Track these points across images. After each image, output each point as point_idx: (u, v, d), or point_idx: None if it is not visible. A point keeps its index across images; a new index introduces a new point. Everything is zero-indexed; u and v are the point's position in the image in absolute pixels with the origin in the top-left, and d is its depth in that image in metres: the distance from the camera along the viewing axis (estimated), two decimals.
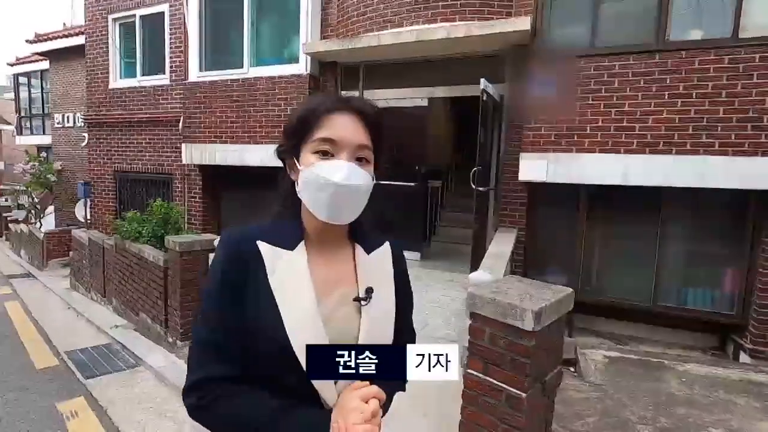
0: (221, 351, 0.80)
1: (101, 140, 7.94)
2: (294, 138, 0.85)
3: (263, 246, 0.83)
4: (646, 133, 3.96)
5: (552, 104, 4.22)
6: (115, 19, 7.52)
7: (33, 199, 14.34)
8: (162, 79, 6.98)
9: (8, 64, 15.88)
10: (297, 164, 0.84)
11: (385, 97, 5.47)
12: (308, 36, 5.47)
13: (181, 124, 6.50)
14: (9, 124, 20.68)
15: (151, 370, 3.81)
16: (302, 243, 0.85)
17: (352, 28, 5.29)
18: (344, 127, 0.82)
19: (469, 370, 2.00)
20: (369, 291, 0.86)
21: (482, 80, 4.18)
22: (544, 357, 1.90)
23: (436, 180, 6.52)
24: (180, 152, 6.59)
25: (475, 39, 4.41)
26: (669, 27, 3.84)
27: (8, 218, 16.00)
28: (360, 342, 0.83)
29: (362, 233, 0.93)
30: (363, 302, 0.85)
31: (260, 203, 6.45)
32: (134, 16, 7.22)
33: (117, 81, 7.62)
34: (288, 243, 0.85)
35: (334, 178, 0.78)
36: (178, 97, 6.69)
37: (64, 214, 12.75)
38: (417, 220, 5.66)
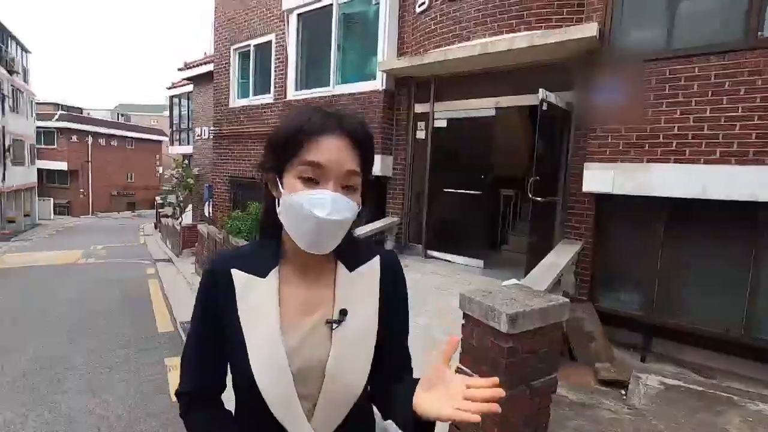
0: (199, 368, 0.85)
1: (221, 150, 9.49)
2: (278, 156, 0.79)
3: (236, 273, 0.83)
4: (731, 141, 3.55)
5: (620, 112, 4.01)
6: (235, 49, 8.98)
7: (178, 198, 17.45)
8: (267, 98, 8.14)
9: (166, 88, 19.58)
10: (279, 185, 0.79)
11: (454, 107, 5.68)
12: (384, 55, 5.95)
13: None
14: (165, 136, 25.37)
15: None
16: (275, 270, 0.83)
17: (423, 44, 5.61)
18: (333, 151, 0.75)
19: (459, 365, 2.19)
20: (343, 313, 0.81)
21: (540, 90, 4.15)
22: (529, 360, 2.00)
23: (510, 189, 6.45)
24: None
25: (537, 48, 4.39)
26: (761, 23, 3.40)
27: (161, 213, 19.72)
28: (327, 369, 0.79)
29: (347, 249, 0.85)
30: (334, 326, 0.80)
31: None
32: (249, 45, 8.54)
33: (235, 101, 9.07)
34: (261, 270, 0.83)
35: (317, 213, 0.73)
36: (277, 113, 7.73)
37: (198, 212, 15.30)
38: (482, 228, 5.72)
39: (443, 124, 5.82)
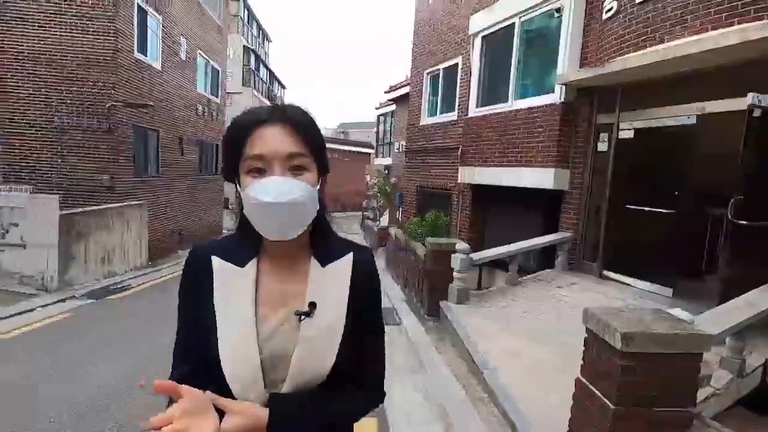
0: (184, 352, 0.89)
1: (411, 163, 10.75)
2: (229, 160, 0.83)
3: (216, 261, 0.86)
4: None
5: None
6: (428, 73, 10.07)
7: (377, 204, 20.19)
8: (452, 116, 8.88)
9: (375, 108, 22.88)
10: (238, 185, 0.84)
11: (643, 117, 5.17)
12: (564, 67, 5.85)
13: (459, 151, 8.12)
14: (372, 148, 29.44)
15: (404, 329, 5.39)
16: (254, 261, 0.86)
17: (608, 52, 5.31)
18: (271, 139, 0.79)
19: (579, 376, 2.29)
20: (312, 306, 0.84)
21: (750, 94, 3.51)
22: (650, 384, 1.98)
23: (718, 207, 5.34)
24: (457, 174, 8.22)
25: (754, 44, 3.70)
26: None
27: (365, 216, 23.10)
28: (293, 359, 0.82)
29: (320, 244, 0.90)
30: (302, 318, 0.83)
31: (515, 218, 7.25)
32: (439, 69, 9.48)
33: (424, 119, 10.16)
34: (240, 260, 0.86)
35: (264, 198, 0.76)
36: (459, 129, 8.36)
37: (392, 216, 17.41)
38: (675, 251, 4.99)
39: (629, 135, 5.34)
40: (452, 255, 5.29)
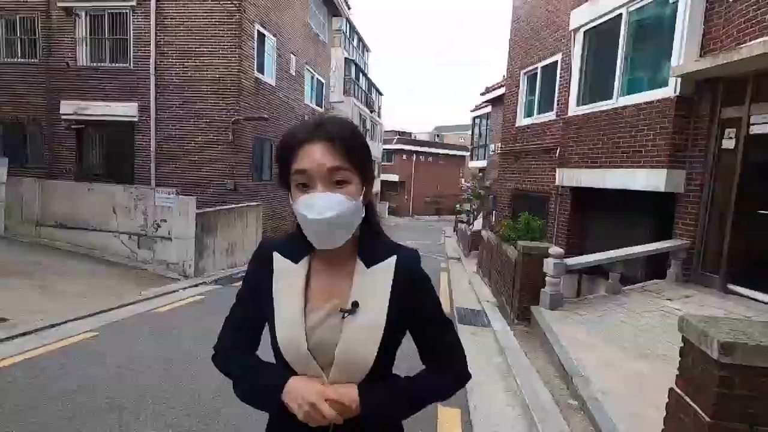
0: (233, 333, 1.02)
1: (505, 166, 10.51)
2: (281, 172, 0.92)
3: (276, 257, 0.97)
4: None
5: None
6: (524, 73, 9.78)
7: (471, 206, 19.92)
8: (549, 116, 8.52)
9: (470, 111, 22.61)
10: (290, 196, 0.91)
11: None
12: (680, 57, 5.31)
13: (557, 152, 7.77)
14: (468, 151, 29.09)
15: (492, 332, 5.39)
16: (306, 258, 0.96)
17: (737, 38, 4.71)
18: (313, 155, 0.85)
19: (674, 387, 2.18)
20: (354, 305, 0.90)
21: None
22: (756, 400, 1.84)
23: None
24: (554, 176, 7.87)
25: None
26: None
27: (458, 219, 22.93)
28: (336, 353, 0.89)
29: (367, 247, 0.96)
30: (345, 315, 0.90)
31: (619, 223, 6.74)
32: (536, 68, 9.15)
33: (521, 120, 9.88)
34: (295, 256, 0.96)
35: (308, 215, 0.83)
36: (557, 129, 7.99)
37: (486, 220, 17.06)
38: None
39: (763, 130, 4.67)
40: (545, 259, 5.16)
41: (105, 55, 10.39)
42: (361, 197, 0.90)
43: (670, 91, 5.44)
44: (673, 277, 5.44)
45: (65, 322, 4.97)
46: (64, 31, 10.38)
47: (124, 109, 10.22)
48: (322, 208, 0.83)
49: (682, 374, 2.16)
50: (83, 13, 10.28)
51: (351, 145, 0.88)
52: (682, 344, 2.19)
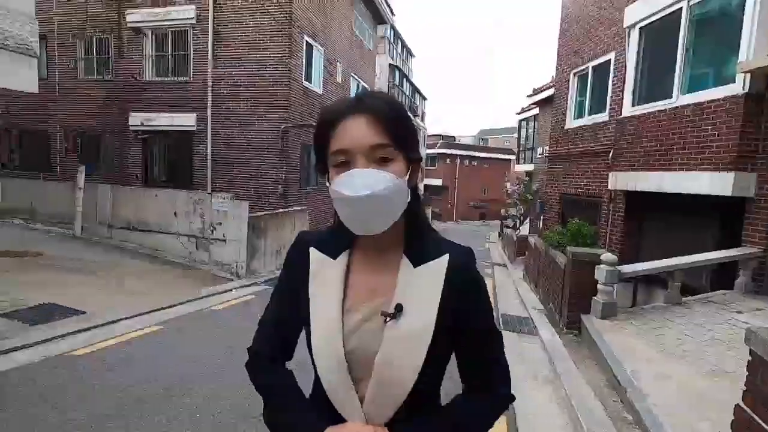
0: (269, 334, 0.95)
1: (554, 169, 10.18)
2: (319, 155, 0.84)
3: (313, 253, 0.89)
4: None
5: None
6: (575, 73, 9.45)
7: (518, 211, 19.43)
8: (602, 117, 8.17)
9: (516, 113, 22.07)
10: (328, 181, 0.81)
11: None
12: (750, 52, 4.94)
13: (611, 154, 7.44)
14: (514, 155, 28.38)
15: (540, 340, 5.24)
16: (345, 253, 0.87)
17: None
18: (354, 132, 0.77)
19: (740, 404, 2.05)
20: (398, 308, 0.80)
21: None
22: None
23: None
24: (607, 179, 7.53)
25: None
26: None
27: (504, 224, 22.41)
28: (376, 361, 0.79)
29: (415, 242, 0.85)
30: (387, 319, 0.79)
31: (679, 229, 6.35)
32: (588, 67, 8.82)
33: (571, 122, 9.54)
34: (333, 252, 0.87)
35: (345, 192, 0.74)
36: (610, 131, 7.65)
37: (533, 225, 16.55)
38: None
39: None
40: (596, 266, 4.96)
41: (168, 70, 11.22)
42: (407, 178, 0.80)
43: (737, 87, 5.07)
44: (741, 288, 5.05)
45: (133, 317, 5.41)
46: (133, 49, 11.32)
47: (184, 120, 10.96)
48: (362, 186, 0.73)
49: (749, 390, 2.03)
50: (150, 32, 11.16)
51: (395, 120, 0.79)
52: (749, 358, 2.06)
